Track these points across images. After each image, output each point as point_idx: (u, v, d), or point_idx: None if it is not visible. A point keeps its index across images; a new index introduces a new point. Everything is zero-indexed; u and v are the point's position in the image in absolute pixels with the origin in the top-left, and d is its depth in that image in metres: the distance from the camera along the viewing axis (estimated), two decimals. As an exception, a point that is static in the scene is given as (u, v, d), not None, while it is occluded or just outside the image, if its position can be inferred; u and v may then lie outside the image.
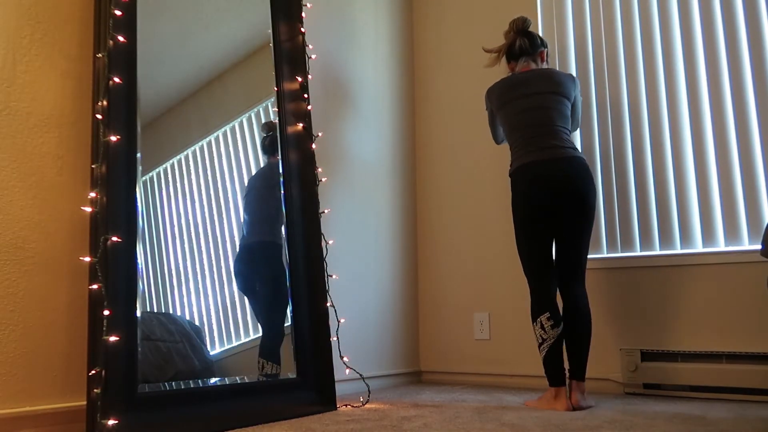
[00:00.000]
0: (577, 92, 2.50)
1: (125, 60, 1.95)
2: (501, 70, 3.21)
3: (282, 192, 2.45)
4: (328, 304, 2.40)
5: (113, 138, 1.86)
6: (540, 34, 3.11)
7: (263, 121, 2.53)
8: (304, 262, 2.42)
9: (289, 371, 2.30)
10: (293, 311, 2.36)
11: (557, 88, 2.43)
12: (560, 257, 2.33)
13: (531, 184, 2.33)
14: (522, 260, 2.39)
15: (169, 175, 2.21)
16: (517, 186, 2.38)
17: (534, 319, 2.27)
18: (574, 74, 2.93)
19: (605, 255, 2.82)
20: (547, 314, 2.25)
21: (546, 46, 2.60)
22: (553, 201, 2.29)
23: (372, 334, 3.01)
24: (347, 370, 2.50)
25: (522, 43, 2.53)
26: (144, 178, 2.03)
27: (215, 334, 2.22)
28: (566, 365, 2.25)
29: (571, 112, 2.47)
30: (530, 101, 2.41)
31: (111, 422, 1.65)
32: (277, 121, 2.50)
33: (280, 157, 2.48)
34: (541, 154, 2.33)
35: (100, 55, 1.92)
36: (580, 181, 2.28)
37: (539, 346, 2.25)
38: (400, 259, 3.27)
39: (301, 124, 2.52)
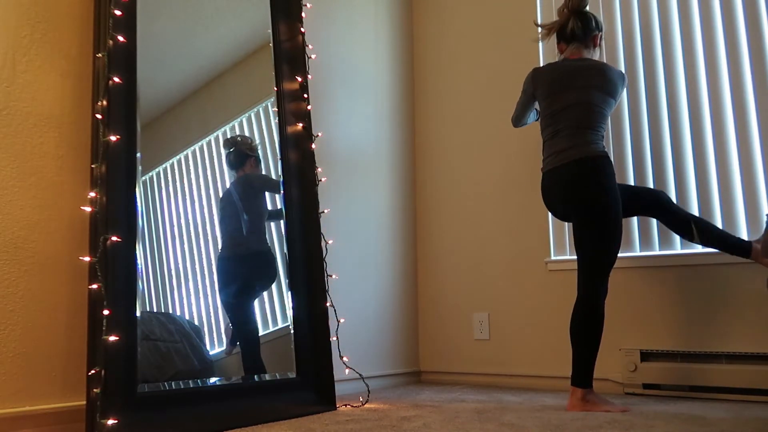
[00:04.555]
0: (622, 91, 2.43)
1: (125, 60, 1.95)
2: (501, 70, 3.22)
3: (282, 192, 2.45)
4: (328, 304, 2.40)
5: (113, 138, 1.86)
6: (540, 33, 3.11)
7: (265, 119, 2.53)
8: (303, 262, 2.42)
9: (289, 371, 2.30)
10: (293, 311, 2.35)
11: (607, 85, 2.34)
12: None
13: (544, 196, 2.43)
14: None
15: (169, 175, 2.21)
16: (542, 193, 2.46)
17: None
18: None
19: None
20: None
21: (601, 30, 2.47)
22: (559, 209, 2.41)
23: (371, 334, 3.01)
24: (347, 370, 2.50)
25: (575, 25, 2.39)
26: (144, 178, 2.03)
27: (215, 334, 2.22)
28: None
29: None
30: (576, 96, 2.32)
31: (110, 422, 1.65)
32: (277, 120, 2.50)
33: (279, 157, 2.48)
34: (550, 160, 2.35)
35: (100, 54, 1.92)
36: (576, 191, 2.27)
37: None
38: (400, 258, 3.27)
39: (301, 124, 2.52)
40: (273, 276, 2.42)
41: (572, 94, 2.34)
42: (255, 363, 2.29)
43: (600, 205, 2.24)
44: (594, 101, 2.33)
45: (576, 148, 2.29)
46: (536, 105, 2.62)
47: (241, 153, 2.43)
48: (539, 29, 2.58)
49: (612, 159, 2.82)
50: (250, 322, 2.35)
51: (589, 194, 2.25)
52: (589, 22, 2.43)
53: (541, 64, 3.07)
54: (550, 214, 2.96)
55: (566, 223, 2.94)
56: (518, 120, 2.65)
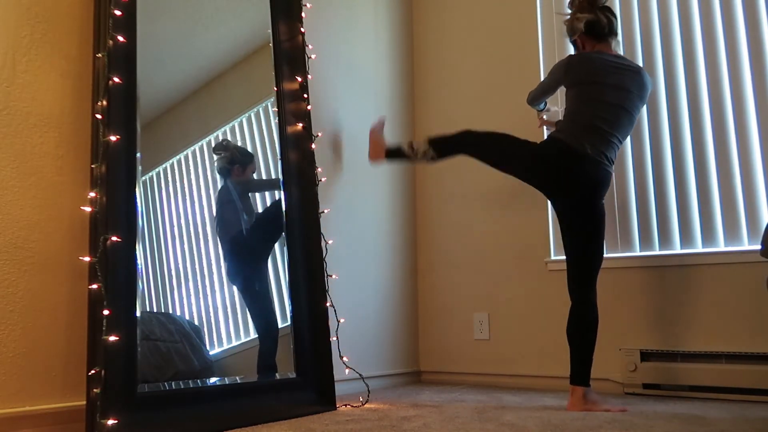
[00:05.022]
0: None
1: (125, 60, 1.94)
2: (501, 69, 3.22)
3: (282, 192, 2.45)
4: (328, 304, 2.40)
5: (113, 138, 1.86)
6: (539, 33, 3.12)
7: (265, 119, 2.53)
8: (303, 262, 2.42)
9: (289, 371, 2.30)
10: (293, 311, 2.35)
11: (642, 91, 2.36)
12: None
13: (550, 155, 2.33)
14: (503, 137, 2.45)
15: (169, 175, 2.21)
16: (548, 146, 2.37)
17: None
18: None
19: (605, 255, 2.80)
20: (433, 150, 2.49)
21: None
22: (558, 179, 2.32)
23: (372, 334, 3.01)
24: (347, 370, 2.50)
25: (609, 21, 2.38)
26: (144, 178, 2.03)
27: (215, 334, 2.22)
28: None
29: None
30: (617, 96, 2.30)
31: (110, 422, 1.65)
32: (277, 120, 2.50)
33: (279, 157, 2.48)
34: (584, 143, 2.26)
35: (99, 55, 1.92)
36: (595, 190, 2.28)
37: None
38: (400, 258, 3.27)
39: (301, 124, 2.52)
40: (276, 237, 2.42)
41: (612, 93, 2.30)
42: (270, 361, 2.30)
43: (604, 217, 2.30)
44: (633, 109, 2.34)
45: (607, 158, 2.29)
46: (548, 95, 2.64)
47: (222, 167, 2.39)
48: (562, 18, 2.53)
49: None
50: (271, 315, 2.36)
51: (600, 204, 2.30)
52: (616, 18, 2.44)
53: (541, 63, 3.08)
54: (549, 214, 2.97)
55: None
56: (535, 100, 2.65)
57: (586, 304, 2.25)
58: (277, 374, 2.29)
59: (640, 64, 2.81)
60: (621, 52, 2.50)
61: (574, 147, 2.27)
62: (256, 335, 2.32)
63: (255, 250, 2.45)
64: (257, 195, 2.52)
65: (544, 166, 2.35)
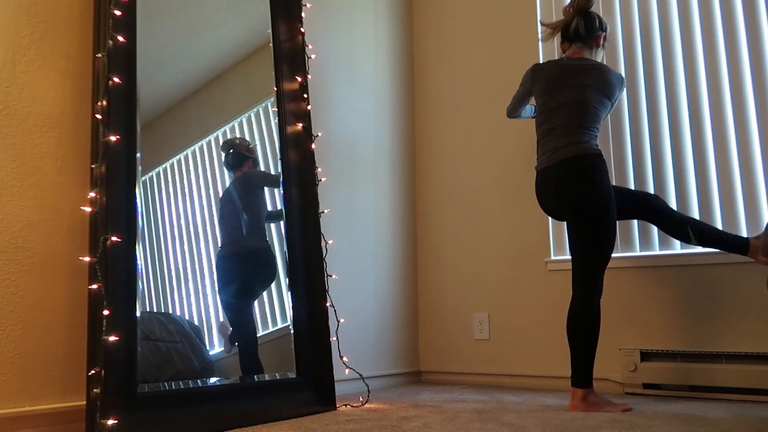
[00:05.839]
0: (620, 94, 2.44)
1: (125, 60, 1.95)
2: (501, 69, 3.22)
3: (281, 192, 2.45)
4: (328, 304, 2.40)
5: (113, 138, 1.86)
6: (539, 33, 3.12)
7: (265, 119, 2.53)
8: (303, 262, 2.42)
9: (289, 371, 2.30)
10: (293, 311, 2.35)
11: (604, 86, 2.34)
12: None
13: (538, 194, 2.44)
14: None
15: (169, 175, 2.21)
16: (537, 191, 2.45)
17: None
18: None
19: (605, 255, 2.81)
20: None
21: (605, 30, 2.47)
22: (553, 206, 2.39)
23: (371, 334, 3.01)
24: (347, 370, 2.50)
25: (578, 25, 2.40)
26: (144, 178, 2.03)
27: (215, 334, 2.22)
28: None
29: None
30: (571, 94, 2.32)
31: (110, 422, 1.65)
32: (277, 120, 2.50)
33: (279, 157, 2.48)
34: (545, 158, 2.35)
35: (99, 54, 1.92)
36: (569, 190, 2.26)
37: None
38: (400, 258, 3.28)
39: (300, 124, 2.52)
40: (273, 276, 2.43)
41: (568, 93, 2.34)
42: (253, 363, 2.29)
43: (595, 206, 2.23)
44: (589, 100, 2.32)
45: (570, 146, 2.27)
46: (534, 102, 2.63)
47: (239, 154, 2.43)
48: (543, 28, 2.57)
49: (612, 159, 2.83)
50: (250, 323, 2.36)
51: (585, 194, 2.24)
52: (592, 22, 2.43)
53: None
54: (550, 214, 2.97)
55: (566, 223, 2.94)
56: (512, 111, 2.66)
57: (584, 300, 2.21)
58: (266, 375, 2.29)
59: (640, 64, 2.81)
60: (600, 57, 2.50)
61: (543, 169, 2.35)
62: (246, 337, 2.32)
63: (254, 249, 2.45)
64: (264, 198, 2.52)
65: (547, 204, 2.42)
